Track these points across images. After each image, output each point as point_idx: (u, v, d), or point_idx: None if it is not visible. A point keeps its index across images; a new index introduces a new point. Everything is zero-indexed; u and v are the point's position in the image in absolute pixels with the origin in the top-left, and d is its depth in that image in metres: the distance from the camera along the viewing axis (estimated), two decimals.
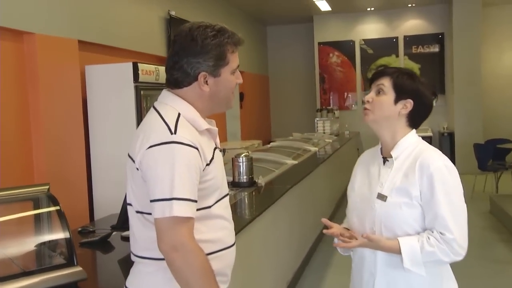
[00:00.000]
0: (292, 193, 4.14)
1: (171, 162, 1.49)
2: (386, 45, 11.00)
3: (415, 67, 10.79)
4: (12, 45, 4.13)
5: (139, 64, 4.79)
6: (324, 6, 10.16)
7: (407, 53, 10.88)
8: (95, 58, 5.11)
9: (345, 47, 11.21)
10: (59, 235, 2.03)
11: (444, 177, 1.72)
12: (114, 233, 2.69)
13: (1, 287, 1.80)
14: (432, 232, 1.71)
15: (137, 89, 4.83)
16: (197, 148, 1.54)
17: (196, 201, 1.52)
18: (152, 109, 1.66)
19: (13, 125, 4.10)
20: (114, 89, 4.82)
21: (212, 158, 1.62)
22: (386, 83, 1.83)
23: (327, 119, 9.61)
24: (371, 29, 11.16)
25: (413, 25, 10.96)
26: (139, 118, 4.86)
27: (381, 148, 1.92)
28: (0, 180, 3.78)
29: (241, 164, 3.99)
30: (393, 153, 1.83)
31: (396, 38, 10.97)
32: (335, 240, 1.91)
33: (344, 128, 10.27)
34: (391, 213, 1.76)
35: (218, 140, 1.73)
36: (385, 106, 1.82)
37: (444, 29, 10.70)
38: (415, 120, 1.85)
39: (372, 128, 1.88)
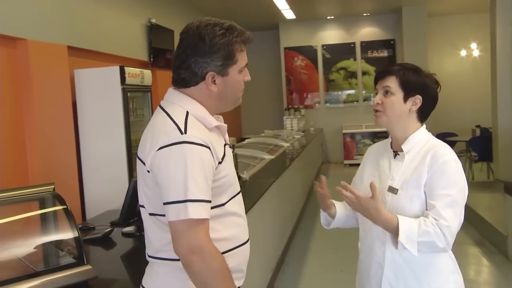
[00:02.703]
0: (273, 187, 4.04)
1: (183, 163, 1.31)
2: (345, 50, 11.00)
3: (370, 69, 10.87)
4: (5, 50, 3.88)
5: (125, 68, 4.60)
6: (289, 15, 10.09)
7: (364, 57, 10.93)
8: (83, 62, 4.88)
9: (308, 52, 11.16)
10: (68, 234, 1.85)
11: (452, 170, 1.61)
12: (115, 229, 2.52)
13: (15, 287, 1.63)
14: (428, 217, 1.58)
15: (124, 91, 4.64)
16: (208, 147, 1.36)
17: (210, 201, 1.36)
18: (159, 108, 1.47)
19: (7, 128, 3.85)
20: (102, 92, 4.61)
21: (224, 155, 1.45)
22: (392, 83, 1.69)
23: (294, 117, 9.57)
24: (331, 35, 11.15)
25: (368, 32, 11.01)
26: (127, 118, 4.67)
27: (391, 142, 1.79)
28: None
29: None
30: (404, 147, 1.70)
31: (354, 43, 11.00)
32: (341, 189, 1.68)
33: (309, 125, 10.26)
34: (402, 206, 1.63)
35: (227, 136, 1.55)
36: (395, 106, 1.68)
37: (395, 35, 10.79)
38: (424, 113, 1.73)
39: (384, 127, 1.75)
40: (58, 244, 1.92)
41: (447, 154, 1.63)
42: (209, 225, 1.38)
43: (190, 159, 1.32)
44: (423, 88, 1.69)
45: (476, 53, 11.00)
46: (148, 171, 1.38)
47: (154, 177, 1.36)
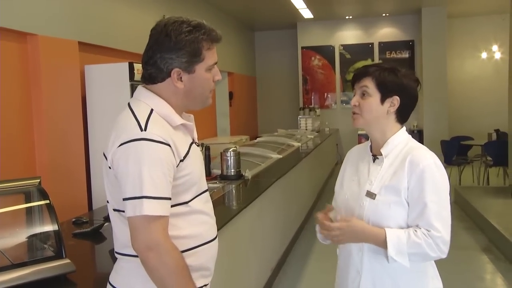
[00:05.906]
0: (277, 186, 4.00)
1: (140, 160, 1.31)
2: (363, 50, 10.86)
3: None
4: (16, 45, 3.93)
5: (134, 64, 4.61)
6: (307, 14, 10.01)
7: (382, 58, 10.76)
8: (94, 58, 4.92)
9: (326, 51, 11.06)
10: (49, 228, 1.86)
11: (434, 175, 1.55)
12: (106, 223, 2.52)
13: None
14: (419, 228, 1.53)
15: (133, 87, 4.64)
16: (169, 145, 1.36)
17: (169, 199, 1.35)
18: (127, 106, 1.47)
19: (16, 120, 3.91)
20: (111, 87, 4.63)
21: (187, 153, 1.43)
22: (369, 84, 1.62)
23: (309, 117, 9.50)
24: (349, 35, 11.03)
25: (387, 32, 10.85)
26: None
27: (370, 145, 1.73)
28: (4, 172, 3.60)
29: (229, 158, 3.85)
30: (383, 150, 1.65)
31: (372, 44, 10.86)
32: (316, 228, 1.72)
33: (325, 125, 10.18)
34: (380, 211, 1.58)
35: (195, 135, 1.54)
36: (373, 108, 1.62)
37: (414, 36, 10.61)
38: (403, 114, 1.67)
39: (362, 128, 1.71)
40: (40, 237, 1.92)
41: (425, 158, 1.58)
42: (173, 222, 1.37)
43: (148, 156, 1.32)
44: (400, 89, 1.63)
45: (497, 55, 10.73)
46: (110, 167, 1.39)
47: (115, 173, 1.37)
